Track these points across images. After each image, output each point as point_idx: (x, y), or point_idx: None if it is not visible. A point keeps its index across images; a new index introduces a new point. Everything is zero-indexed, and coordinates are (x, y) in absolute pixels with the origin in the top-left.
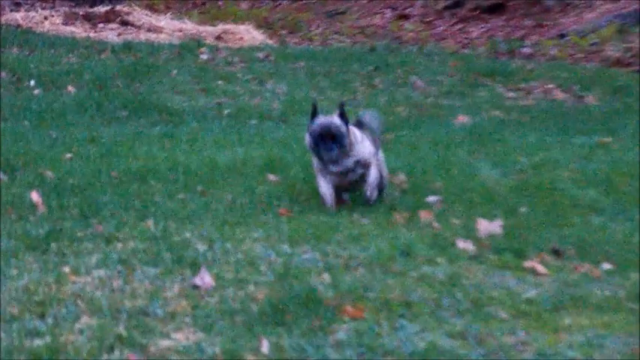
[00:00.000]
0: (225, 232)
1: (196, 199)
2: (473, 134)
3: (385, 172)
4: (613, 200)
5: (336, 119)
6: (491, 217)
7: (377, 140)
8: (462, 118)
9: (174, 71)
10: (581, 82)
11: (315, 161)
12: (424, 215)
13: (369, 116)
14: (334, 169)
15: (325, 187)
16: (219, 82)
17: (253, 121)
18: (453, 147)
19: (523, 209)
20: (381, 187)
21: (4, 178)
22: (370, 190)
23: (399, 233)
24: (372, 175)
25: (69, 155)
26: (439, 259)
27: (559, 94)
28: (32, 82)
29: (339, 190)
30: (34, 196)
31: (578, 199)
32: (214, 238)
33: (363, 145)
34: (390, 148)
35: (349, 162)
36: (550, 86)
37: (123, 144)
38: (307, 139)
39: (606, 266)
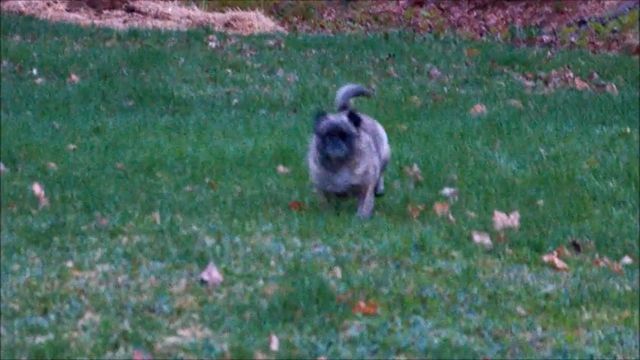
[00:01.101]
0: (233, 226)
1: (204, 191)
2: (490, 124)
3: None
4: (634, 192)
5: (346, 118)
6: (508, 210)
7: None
8: (479, 108)
9: (182, 59)
10: (602, 71)
11: (313, 178)
12: (439, 208)
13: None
14: (333, 189)
15: (324, 199)
16: (228, 70)
17: (263, 111)
18: (469, 137)
19: (541, 201)
20: (379, 183)
21: (5, 170)
22: (365, 210)
23: (413, 226)
24: (369, 196)
25: (72, 146)
26: (454, 253)
27: (579, 83)
28: (35, 71)
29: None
30: (37, 188)
31: (598, 191)
32: (222, 231)
33: (371, 161)
34: (404, 139)
35: (355, 179)
36: (569, 75)
37: (128, 135)
38: (314, 140)
39: (627, 260)
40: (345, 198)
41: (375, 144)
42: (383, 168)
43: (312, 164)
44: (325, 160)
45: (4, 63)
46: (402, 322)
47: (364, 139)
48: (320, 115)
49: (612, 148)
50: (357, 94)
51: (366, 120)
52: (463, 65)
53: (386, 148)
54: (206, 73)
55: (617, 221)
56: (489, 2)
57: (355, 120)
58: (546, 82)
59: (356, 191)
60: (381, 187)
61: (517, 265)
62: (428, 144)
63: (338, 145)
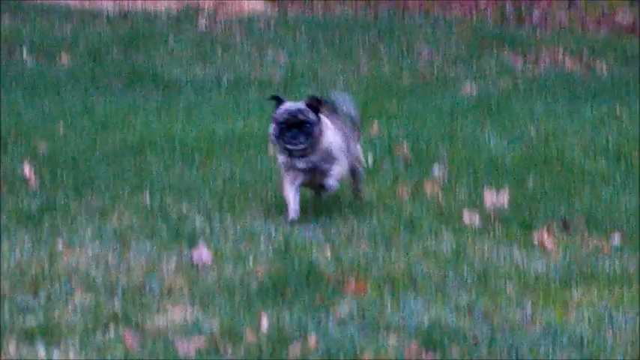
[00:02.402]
0: (223, 206)
1: (194, 172)
2: (480, 103)
3: (362, 164)
4: (623, 171)
5: (304, 106)
6: (498, 189)
7: (357, 129)
8: (469, 87)
9: (172, 40)
10: (592, 50)
11: (279, 156)
12: (429, 187)
13: (342, 98)
14: (300, 164)
15: (290, 191)
16: (218, 51)
17: (253, 92)
18: (459, 117)
19: (531, 180)
20: (359, 179)
21: None
22: (333, 180)
23: (402, 205)
24: (338, 167)
25: (62, 127)
26: (444, 232)
27: (568, 63)
28: (24, 52)
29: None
30: (26, 169)
31: (588, 170)
32: (212, 211)
33: (330, 137)
34: (394, 118)
35: (316, 157)
36: (559, 54)
37: (118, 115)
38: (271, 128)
39: (616, 239)
40: (317, 184)
41: (345, 139)
42: (356, 169)
43: (279, 155)
44: (284, 150)
45: None
46: (392, 301)
47: (326, 124)
48: (277, 99)
49: (602, 128)
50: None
51: (337, 120)
52: (453, 45)
53: (353, 144)
54: (196, 54)
55: (606, 200)
56: None
57: (315, 106)
58: (536, 62)
59: (324, 172)
60: (362, 176)
61: (507, 244)
62: (418, 123)
63: (296, 136)
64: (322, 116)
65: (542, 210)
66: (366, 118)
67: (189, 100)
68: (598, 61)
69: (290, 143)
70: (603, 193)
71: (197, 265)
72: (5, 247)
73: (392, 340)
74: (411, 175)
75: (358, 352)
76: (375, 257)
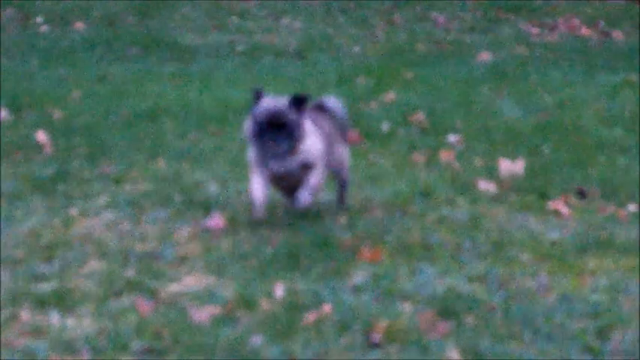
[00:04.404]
0: (238, 173)
1: (208, 139)
2: (495, 72)
3: (346, 171)
4: (638, 139)
5: (286, 105)
6: (513, 157)
7: (345, 131)
8: (485, 55)
9: (187, 7)
10: (608, 18)
11: (251, 153)
12: (444, 155)
13: (333, 101)
14: (275, 168)
15: (258, 189)
16: (233, 18)
17: (268, 59)
18: (474, 85)
19: (546, 149)
20: (343, 186)
21: (10, 117)
22: (306, 193)
23: (418, 174)
24: (314, 178)
25: (77, 94)
26: (459, 201)
27: (584, 31)
28: (39, 19)
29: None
30: (41, 136)
31: (603, 139)
32: (227, 179)
33: (311, 142)
34: (409, 86)
35: (294, 163)
36: (575, 22)
37: (133, 82)
38: (248, 126)
39: (632, 207)
40: (288, 188)
41: (329, 143)
42: (341, 175)
43: (251, 151)
44: (262, 150)
45: (9, 11)
46: (407, 269)
47: (307, 125)
48: (258, 93)
49: (617, 96)
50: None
51: (323, 119)
52: (469, 12)
53: (343, 151)
54: (211, 21)
55: (622, 168)
56: None
57: (298, 104)
58: (552, 30)
59: (299, 178)
60: (347, 181)
61: (522, 213)
62: (433, 91)
63: (276, 138)
64: (305, 117)
65: (557, 178)
66: (382, 86)
67: (204, 67)
68: (614, 29)
69: (268, 145)
70: (619, 162)
71: (211, 233)
72: (19, 213)
73: (406, 309)
74: (426, 143)
75: (373, 321)
76: (390, 225)
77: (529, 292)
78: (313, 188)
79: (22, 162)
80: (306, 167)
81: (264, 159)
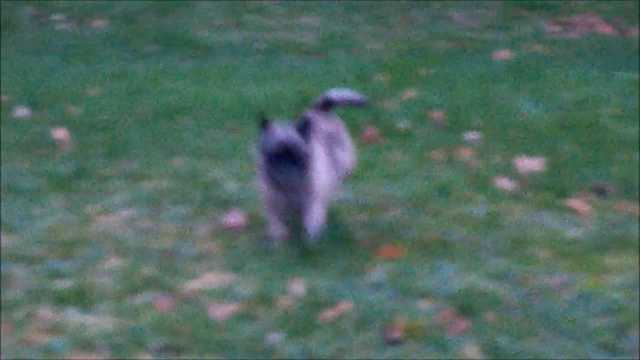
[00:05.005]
0: (257, 171)
1: (227, 136)
2: (514, 69)
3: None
4: None
5: (297, 135)
6: (532, 155)
7: (344, 136)
8: (503, 53)
9: (206, 5)
10: (626, 16)
11: (263, 188)
12: (463, 153)
13: (336, 94)
14: (284, 200)
15: (276, 230)
16: (252, 15)
17: (287, 56)
18: (493, 83)
19: (565, 146)
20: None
21: (29, 114)
22: (314, 227)
23: (436, 171)
24: (318, 211)
25: (96, 92)
26: (478, 198)
27: (603, 28)
28: (58, 16)
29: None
30: (60, 133)
31: (622, 136)
32: (246, 176)
33: (318, 174)
34: (428, 84)
35: (301, 193)
36: (594, 20)
37: (152, 80)
38: (259, 156)
39: None
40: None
41: (331, 152)
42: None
43: (261, 183)
44: (274, 182)
45: (28, 8)
46: (426, 266)
47: (320, 156)
48: (264, 122)
49: (636, 93)
50: (356, 104)
51: (325, 124)
52: (487, 10)
53: (345, 155)
54: (229, 19)
55: None
56: None
57: (306, 133)
58: (570, 27)
59: (305, 206)
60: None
61: (541, 210)
62: (452, 89)
63: (289, 169)
64: (313, 144)
65: (576, 176)
66: (400, 84)
67: (223, 64)
68: (632, 26)
69: (280, 176)
70: (637, 160)
71: (230, 230)
72: (39, 211)
73: (426, 306)
74: (445, 141)
75: (392, 318)
76: (409, 223)
77: (548, 289)
78: (319, 220)
79: (41, 159)
80: (311, 199)
81: (273, 191)
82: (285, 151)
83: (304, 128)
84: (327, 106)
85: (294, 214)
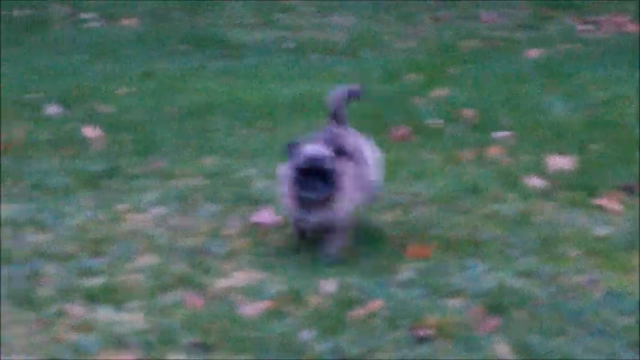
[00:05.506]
0: None
1: (257, 134)
2: (543, 68)
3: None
4: None
5: (327, 153)
6: (562, 154)
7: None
8: (533, 52)
9: (235, 4)
10: None
11: (285, 208)
12: (493, 151)
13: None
14: (310, 219)
15: (298, 237)
16: (281, 14)
17: (316, 56)
18: (522, 81)
19: (595, 145)
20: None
21: (60, 112)
22: (333, 255)
23: (466, 169)
24: (341, 238)
25: (126, 90)
26: (508, 196)
27: (632, 27)
28: (88, 15)
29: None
30: (90, 131)
31: None
32: (275, 174)
33: (344, 200)
34: (457, 83)
35: (326, 214)
36: (622, 19)
37: (182, 79)
38: (284, 173)
39: None
40: (320, 233)
41: (359, 170)
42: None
43: (285, 199)
44: (299, 199)
45: (58, 7)
46: (456, 265)
47: (348, 174)
48: (292, 145)
49: None
50: (351, 96)
51: (353, 140)
52: (516, 9)
53: (372, 172)
54: (259, 18)
55: None
56: None
57: (336, 149)
58: (599, 27)
59: (329, 228)
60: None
61: (571, 209)
62: (482, 88)
63: (315, 186)
64: (348, 166)
65: (606, 175)
66: (430, 82)
67: (253, 63)
68: None
69: (306, 192)
70: None
71: (260, 228)
72: (69, 208)
73: (455, 304)
74: (474, 140)
75: (422, 316)
76: (439, 221)
77: (577, 287)
78: (340, 246)
79: (72, 157)
80: (334, 224)
81: (298, 210)
82: (313, 166)
83: (333, 144)
84: (346, 105)
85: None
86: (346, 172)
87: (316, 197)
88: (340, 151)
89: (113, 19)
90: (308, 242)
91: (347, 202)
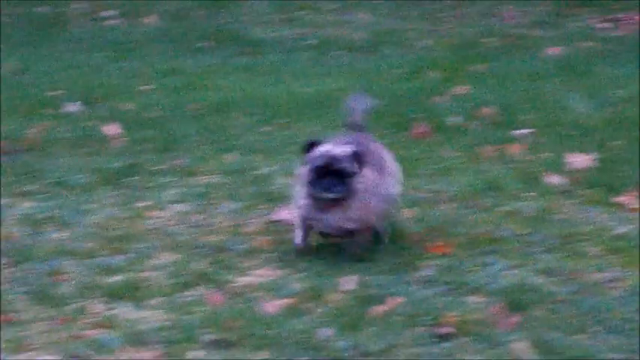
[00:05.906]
0: None
1: (278, 132)
2: (564, 66)
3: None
4: None
5: (346, 153)
6: (582, 151)
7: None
8: (554, 50)
9: (257, 1)
10: None
11: (300, 207)
12: (513, 149)
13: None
14: (322, 229)
15: (301, 235)
16: (303, 11)
17: (338, 52)
18: (543, 79)
19: (615, 143)
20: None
21: (81, 109)
22: (355, 250)
23: (487, 167)
24: (363, 239)
25: (147, 87)
26: (528, 194)
27: None
28: (109, 13)
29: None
30: (112, 128)
31: None
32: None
33: (366, 203)
34: (479, 80)
35: (343, 224)
36: None
37: (203, 76)
38: (301, 172)
39: None
40: (335, 239)
41: (380, 178)
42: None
43: (301, 197)
44: (315, 198)
45: (79, 5)
46: (476, 262)
47: (367, 178)
48: (312, 144)
49: None
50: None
51: (373, 147)
52: (538, 7)
53: (392, 183)
54: (280, 15)
55: None
56: None
57: (359, 159)
58: (620, 24)
59: (348, 235)
60: (385, 230)
61: (591, 206)
62: (502, 85)
63: (332, 185)
64: (368, 171)
65: (626, 173)
66: (451, 80)
67: (274, 60)
68: None
69: (322, 191)
70: None
71: (281, 225)
72: (90, 206)
73: (476, 301)
74: (495, 137)
75: (442, 313)
76: (460, 218)
77: (597, 285)
78: (361, 247)
79: (93, 154)
80: (358, 228)
81: (313, 210)
82: (331, 165)
83: (357, 157)
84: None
85: (331, 239)
86: (367, 176)
87: (331, 197)
88: (362, 156)
89: (133, 17)
90: (328, 241)
91: (364, 208)
